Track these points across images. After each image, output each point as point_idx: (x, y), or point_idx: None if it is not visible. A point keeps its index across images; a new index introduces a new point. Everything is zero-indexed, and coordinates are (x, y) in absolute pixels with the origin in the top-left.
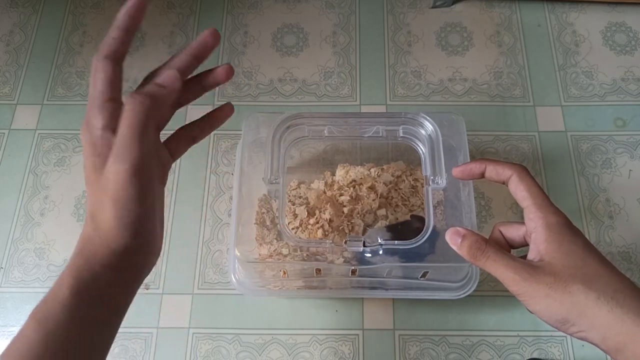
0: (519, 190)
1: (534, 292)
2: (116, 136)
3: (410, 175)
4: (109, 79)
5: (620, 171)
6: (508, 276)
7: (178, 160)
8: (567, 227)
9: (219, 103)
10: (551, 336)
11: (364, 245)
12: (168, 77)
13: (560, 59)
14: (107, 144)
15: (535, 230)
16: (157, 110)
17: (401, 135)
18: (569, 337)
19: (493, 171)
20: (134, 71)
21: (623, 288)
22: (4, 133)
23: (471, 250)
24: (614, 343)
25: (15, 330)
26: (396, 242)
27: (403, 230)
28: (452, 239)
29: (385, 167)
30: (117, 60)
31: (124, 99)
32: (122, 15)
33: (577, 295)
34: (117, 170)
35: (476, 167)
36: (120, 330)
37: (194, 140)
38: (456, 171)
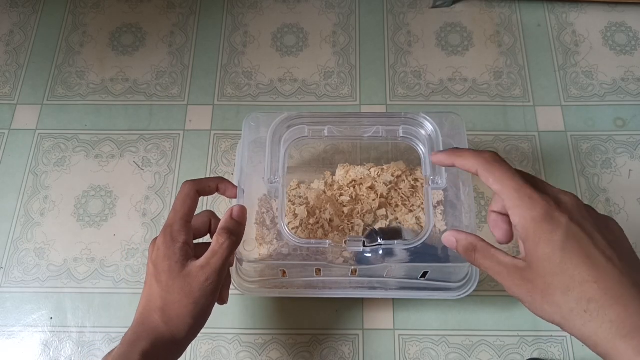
0: (490, 183)
1: (521, 298)
2: (204, 258)
3: (410, 175)
4: (194, 206)
5: (620, 171)
6: (498, 281)
7: (178, 160)
8: (545, 222)
9: (219, 103)
10: (551, 336)
11: (364, 245)
12: (242, 212)
13: (560, 59)
14: (185, 256)
15: (515, 228)
16: (238, 245)
17: (401, 135)
18: (569, 337)
19: (461, 163)
20: (134, 71)
21: (599, 296)
22: (4, 133)
23: (465, 254)
24: (600, 353)
25: (15, 330)
26: (396, 242)
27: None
28: (449, 241)
29: (385, 167)
30: (200, 195)
31: (219, 233)
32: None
33: (554, 306)
34: (207, 285)
35: (445, 159)
36: (121, 331)
37: None
38: (433, 158)
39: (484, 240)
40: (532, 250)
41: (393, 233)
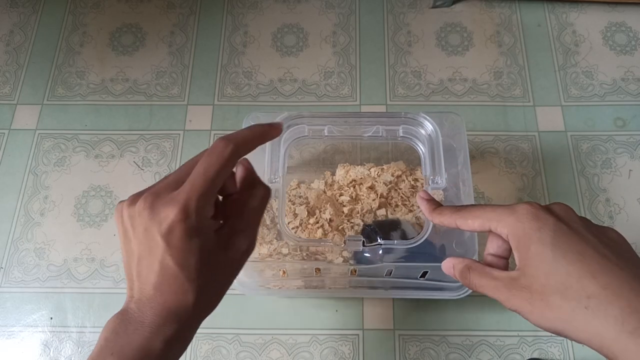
0: (470, 225)
1: (520, 309)
2: (246, 239)
3: (410, 175)
4: (227, 173)
5: (620, 171)
6: (495, 298)
7: (178, 160)
8: (531, 220)
9: (219, 103)
10: (551, 336)
11: (364, 245)
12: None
13: (560, 59)
14: (212, 230)
15: (508, 241)
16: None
17: (401, 135)
18: None
19: (440, 220)
20: (134, 71)
21: (598, 291)
22: (4, 133)
23: (461, 278)
24: (607, 354)
25: (15, 330)
26: (396, 242)
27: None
28: (447, 268)
29: (385, 167)
30: (239, 156)
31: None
32: (260, 126)
33: (555, 309)
34: (244, 259)
35: (427, 214)
36: None
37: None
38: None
39: (478, 262)
40: (524, 253)
41: (391, 224)
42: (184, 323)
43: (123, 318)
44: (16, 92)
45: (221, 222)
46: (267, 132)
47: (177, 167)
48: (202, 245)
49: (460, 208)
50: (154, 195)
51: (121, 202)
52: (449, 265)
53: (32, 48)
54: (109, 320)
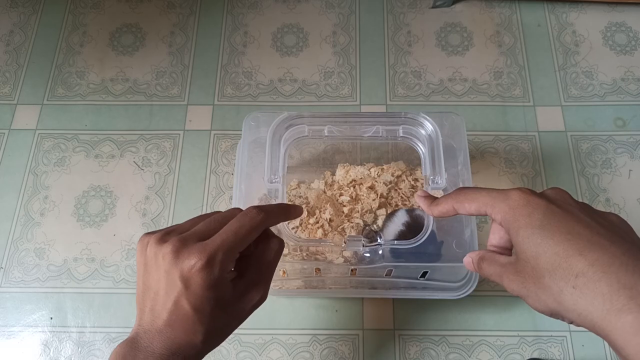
0: (467, 209)
1: (518, 293)
2: (259, 291)
3: (410, 175)
4: (255, 236)
5: (620, 171)
6: (500, 284)
7: (178, 161)
8: (522, 207)
9: (219, 103)
10: (551, 336)
11: (364, 245)
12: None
13: (560, 59)
14: (229, 281)
15: (501, 227)
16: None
17: (401, 135)
18: (568, 337)
19: (439, 211)
20: (134, 71)
21: (586, 269)
22: (4, 133)
23: (478, 269)
24: (599, 333)
25: (15, 330)
26: (396, 242)
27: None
28: (468, 263)
29: (385, 167)
30: (266, 225)
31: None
32: (288, 207)
33: (546, 291)
34: (254, 309)
35: (426, 210)
36: (121, 331)
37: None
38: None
39: (490, 251)
40: (515, 238)
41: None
42: (189, 357)
43: (133, 346)
44: (16, 92)
45: (236, 273)
46: (291, 211)
47: (177, 167)
48: (218, 295)
49: (457, 192)
50: (181, 241)
51: (147, 234)
52: (468, 261)
53: (32, 48)
54: (118, 347)
